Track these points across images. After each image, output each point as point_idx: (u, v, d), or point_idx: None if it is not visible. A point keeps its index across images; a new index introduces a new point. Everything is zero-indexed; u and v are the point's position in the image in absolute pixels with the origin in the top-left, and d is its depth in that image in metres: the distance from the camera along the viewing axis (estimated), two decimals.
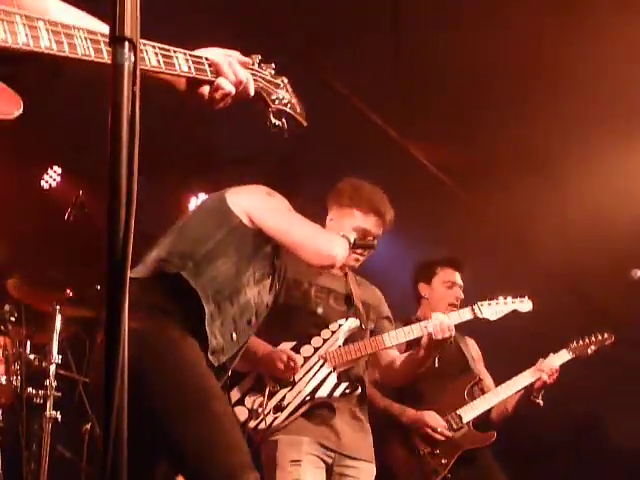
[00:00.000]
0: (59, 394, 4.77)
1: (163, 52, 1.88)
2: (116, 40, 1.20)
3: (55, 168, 6.73)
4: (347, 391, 3.63)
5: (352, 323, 3.73)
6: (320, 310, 3.74)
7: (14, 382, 4.66)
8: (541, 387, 4.47)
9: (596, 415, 7.16)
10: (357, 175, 3.98)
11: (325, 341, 3.68)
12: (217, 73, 2.04)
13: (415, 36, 5.01)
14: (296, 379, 3.60)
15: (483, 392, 4.58)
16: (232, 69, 2.07)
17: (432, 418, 4.30)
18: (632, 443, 6.73)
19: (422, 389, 4.41)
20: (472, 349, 4.85)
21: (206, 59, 2.02)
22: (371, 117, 5.69)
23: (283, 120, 2.33)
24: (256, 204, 2.93)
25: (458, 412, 4.38)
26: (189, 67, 1.96)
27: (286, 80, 2.41)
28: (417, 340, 3.81)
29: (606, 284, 5.95)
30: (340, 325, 3.71)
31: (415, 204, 6.32)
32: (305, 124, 2.44)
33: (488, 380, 4.76)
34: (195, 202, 7.21)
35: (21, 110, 1.68)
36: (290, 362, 3.55)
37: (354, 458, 3.65)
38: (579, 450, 7.00)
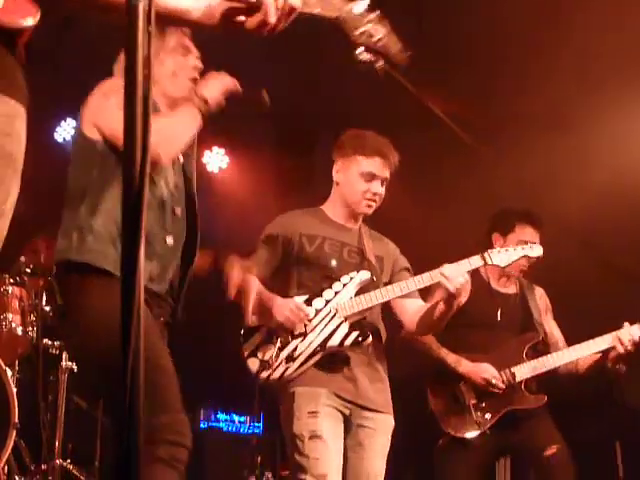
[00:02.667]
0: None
1: None
2: None
3: (69, 121, 6.72)
4: (359, 339, 3.65)
5: (363, 275, 3.75)
6: (334, 263, 3.77)
7: (30, 333, 4.69)
8: (615, 358, 4.31)
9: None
10: (371, 128, 3.98)
11: (337, 293, 3.71)
12: None
13: None
14: (308, 330, 3.64)
15: (547, 348, 4.49)
16: None
17: (487, 369, 4.31)
18: None
19: (479, 340, 4.39)
20: (540, 301, 4.72)
21: None
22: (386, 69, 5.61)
23: (371, 56, 2.19)
24: (94, 113, 2.74)
25: (513, 369, 4.35)
26: None
27: (381, 15, 2.17)
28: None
29: (624, 241, 5.91)
30: (351, 278, 3.73)
31: (431, 158, 6.31)
32: (403, 62, 2.22)
33: (556, 334, 4.64)
34: (209, 156, 7.20)
35: (37, 19, 1.63)
36: (299, 312, 3.60)
37: (371, 409, 3.68)
38: (596, 408, 6.99)
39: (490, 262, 3.83)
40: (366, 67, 2.21)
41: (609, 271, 6.18)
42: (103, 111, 2.69)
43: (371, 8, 2.14)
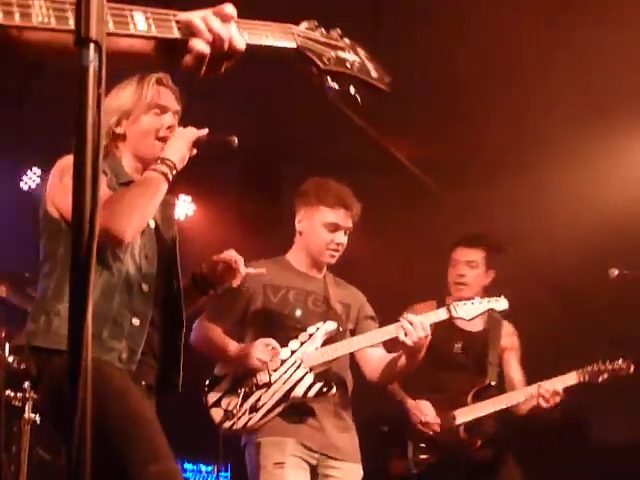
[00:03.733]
0: (37, 396, 4.72)
1: (115, 12, 1.56)
2: (81, 42, 1.19)
3: (35, 169, 6.70)
4: (323, 390, 3.65)
5: (330, 326, 3.77)
6: (299, 313, 3.78)
7: None
8: (543, 410, 4.37)
9: (581, 413, 7.15)
10: (334, 173, 4.03)
11: (302, 344, 3.72)
12: (190, 32, 1.66)
13: (395, 33, 4.99)
14: (272, 380, 3.63)
15: (498, 391, 4.52)
16: (206, 24, 1.67)
17: (425, 408, 4.34)
18: (616, 439, 6.74)
19: (429, 378, 4.40)
20: (506, 338, 4.73)
21: (174, 16, 1.65)
22: (348, 115, 5.67)
23: (340, 84, 2.09)
24: (52, 195, 2.75)
25: (454, 412, 4.37)
26: (149, 25, 1.60)
27: (353, 43, 2.01)
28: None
29: (588, 281, 5.97)
30: (318, 328, 3.75)
31: (397, 205, 6.35)
32: (384, 88, 2.03)
33: (513, 375, 4.66)
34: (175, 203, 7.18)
35: None
36: (270, 350, 3.61)
37: (338, 459, 3.67)
38: (563, 449, 7.01)
39: (456, 315, 3.85)
40: (336, 95, 2.13)
41: (575, 314, 6.24)
42: (59, 192, 2.70)
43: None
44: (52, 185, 2.77)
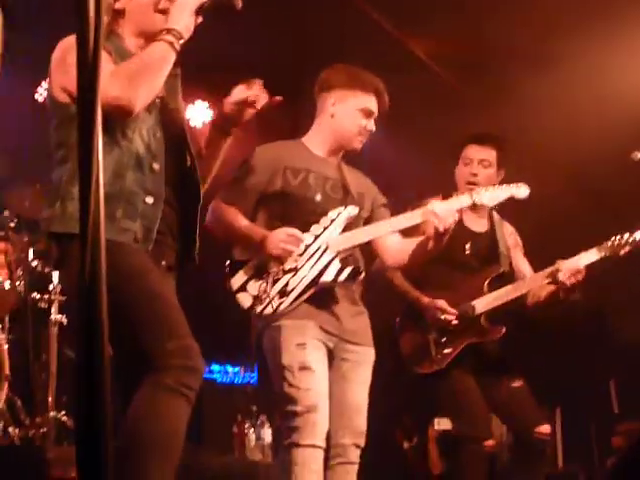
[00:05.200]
0: (63, 298, 4.80)
1: None
2: None
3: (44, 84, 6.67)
4: (351, 275, 3.63)
5: (352, 211, 3.70)
6: (318, 197, 3.71)
7: (18, 287, 4.69)
8: (566, 287, 4.26)
9: (600, 308, 7.16)
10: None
11: (325, 229, 3.66)
12: None
13: None
14: (298, 265, 3.59)
15: (512, 280, 4.46)
16: None
17: (444, 303, 4.32)
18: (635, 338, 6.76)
19: (443, 278, 4.38)
20: (510, 237, 4.69)
21: None
22: (365, 9, 5.57)
23: None
24: (58, 77, 2.70)
25: (472, 303, 4.34)
26: None
27: None
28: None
29: (609, 169, 5.91)
30: (339, 213, 3.69)
31: (413, 101, 6.26)
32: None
33: (524, 268, 4.61)
34: (192, 109, 7.14)
35: None
36: (295, 239, 3.55)
37: (354, 343, 3.67)
38: (580, 343, 7.04)
39: (479, 201, 3.80)
40: None
41: (595, 202, 6.19)
42: (64, 74, 2.64)
43: None
44: (56, 68, 2.71)
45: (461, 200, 3.78)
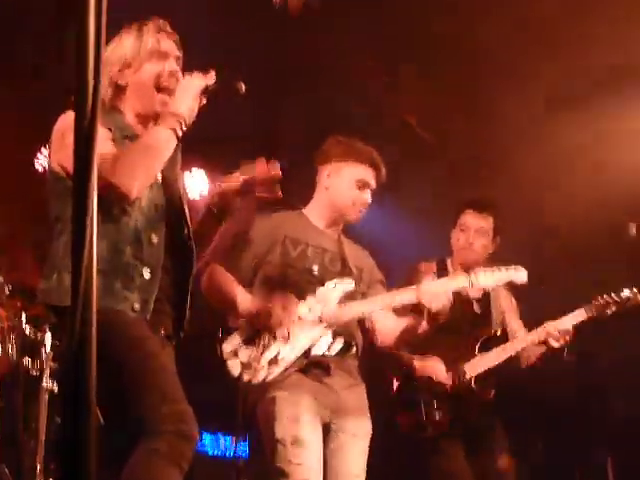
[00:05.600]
0: (55, 365, 4.76)
1: None
2: None
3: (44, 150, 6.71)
4: (342, 349, 3.64)
5: (347, 284, 3.72)
6: (316, 269, 3.74)
7: (10, 353, 4.65)
8: (554, 351, 4.34)
9: (600, 382, 7.11)
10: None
11: (320, 301, 3.67)
12: None
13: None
14: (291, 335, 3.59)
15: (504, 342, 4.46)
16: None
17: (436, 366, 4.30)
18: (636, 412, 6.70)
19: (433, 340, 4.27)
20: (504, 300, 4.71)
21: None
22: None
23: None
24: (56, 154, 2.75)
25: (463, 366, 4.34)
26: None
27: None
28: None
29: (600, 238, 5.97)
30: (335, 285, 3.71)
31: (407, 168, 6.31)
32: None
33: (519, 330, 4.62)
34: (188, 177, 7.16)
35: None
36: (290, 311, 3.56)
37: (351, 416, 3.66)
38: (582, 417, 6.97)
39: (477, 284, 3.80)
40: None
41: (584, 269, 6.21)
42: (62, 149, 2.69)
43: None
44: (55, 143, 2.75)
45: (458, 282, 3.79)
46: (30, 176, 6.47)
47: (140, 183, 2.64)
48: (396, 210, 6.52)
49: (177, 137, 2.72)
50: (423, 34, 5.34)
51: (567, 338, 4.31)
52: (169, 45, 2.93)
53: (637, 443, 6.38)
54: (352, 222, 3.89)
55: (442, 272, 4.47)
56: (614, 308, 4.36)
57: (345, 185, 3.80)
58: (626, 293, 4.38)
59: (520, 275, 3.90)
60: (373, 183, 3.83)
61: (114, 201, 2.64)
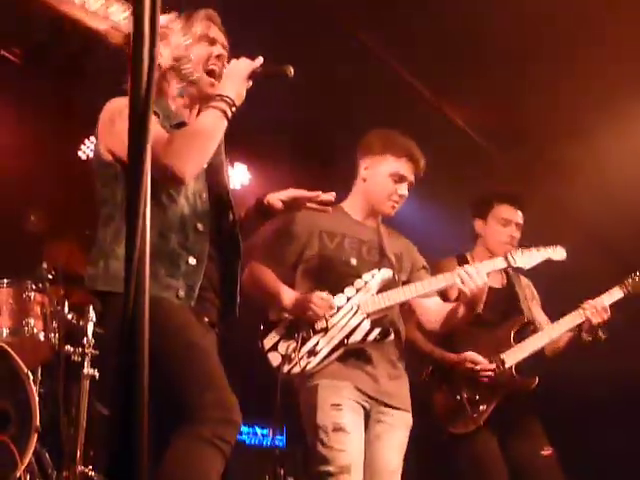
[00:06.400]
0: (96, 352, 4.82)
1: None
2: None
3: (92, 139, 6.79)
4: (380, 337, 3.64)
5: (385, 274, 3.73)
6: (354, 261, 3.76)
7: (52, 339, 4.71)
8: (592, 326, 4.31)
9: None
10: None
11: (358, 290, 3.69)
12: None
13: None
14: (329, 326, 3.62)
15: (535, 331, 4.44)
16: None
17: (474, 357, 4.28)
18: None
19: (462, 334, 4.31)
20: (527, 290, 4.70)
21: None
22: (405, 76, 5.64)
23: None
24: (105, 139, 2.75)
25: (501, 356, 4.31)
26: None
27: None
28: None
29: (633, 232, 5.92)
30: (373, 275, 3.72)
31: (447, 166, 6.30)
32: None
33: (540, 318, 4.61)
34: (231, 172, 7.22)
35: None
36: (326, 303, 3.58)
37: (391, 406, 3.67)
38: (623, 409, 6.91)
39: (514, 264, 3.80)
40: None
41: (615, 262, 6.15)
42: (111, 135, 2.70)
43: None
44: (103, 128, 2.77)
45: (495, 263, 3.80)
46: (74, 165, 6.57)
47: (193, 166, 2.64)
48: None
49: (227, 119, 2.71)
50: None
51: (604, 316, 4.29)
52: (217, 33, 2.96)
53: None
54: (387, 215, 3.90)
55: None
56: None
57: (381, 178, 3.82)
58: None
59: (559, 252, 3.93)
60: (411, 177, 3.82)
61: (167, 184, 2.66)
